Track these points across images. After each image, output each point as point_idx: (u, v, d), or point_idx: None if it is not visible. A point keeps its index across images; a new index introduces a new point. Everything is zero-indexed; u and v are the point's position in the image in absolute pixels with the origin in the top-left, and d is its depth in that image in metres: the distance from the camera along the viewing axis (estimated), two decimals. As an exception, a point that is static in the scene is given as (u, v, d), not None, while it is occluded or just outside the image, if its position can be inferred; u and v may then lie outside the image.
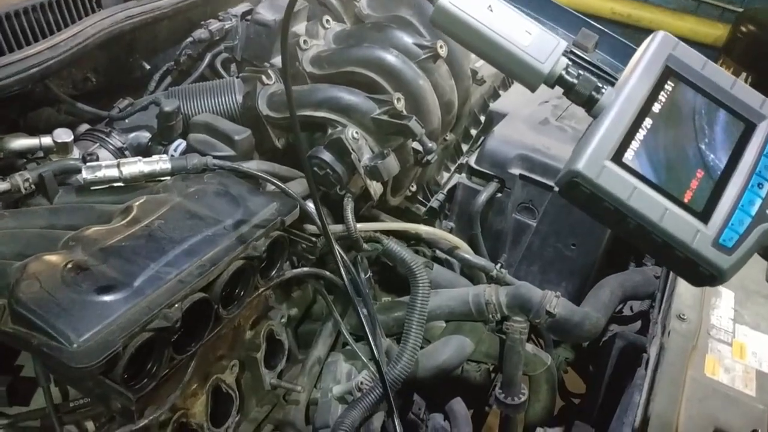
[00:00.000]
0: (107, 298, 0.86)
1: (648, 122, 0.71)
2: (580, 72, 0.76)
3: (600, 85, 0.75)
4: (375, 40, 1.30)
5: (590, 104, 0.75)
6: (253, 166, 1.18)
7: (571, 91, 0.76)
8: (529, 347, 1.44)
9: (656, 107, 0.72)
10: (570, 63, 0.76)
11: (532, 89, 0.77)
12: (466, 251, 1.42)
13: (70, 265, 0.89)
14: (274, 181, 1.15)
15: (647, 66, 0.73)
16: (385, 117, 1.20)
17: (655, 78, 0.73)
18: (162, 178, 1.12)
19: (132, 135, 1.33)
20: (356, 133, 1.19)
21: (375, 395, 1.19)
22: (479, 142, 1.65)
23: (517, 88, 1.78)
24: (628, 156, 0.70)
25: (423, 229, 1.37)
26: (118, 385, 0.83)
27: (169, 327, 0.88)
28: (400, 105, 1.20)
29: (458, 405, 1.45)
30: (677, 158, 0.72)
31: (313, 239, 1.13)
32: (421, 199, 1.56)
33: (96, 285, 0.87)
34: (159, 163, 1.10)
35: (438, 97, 1.32)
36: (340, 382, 1.29)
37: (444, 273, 1.50)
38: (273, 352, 1.25)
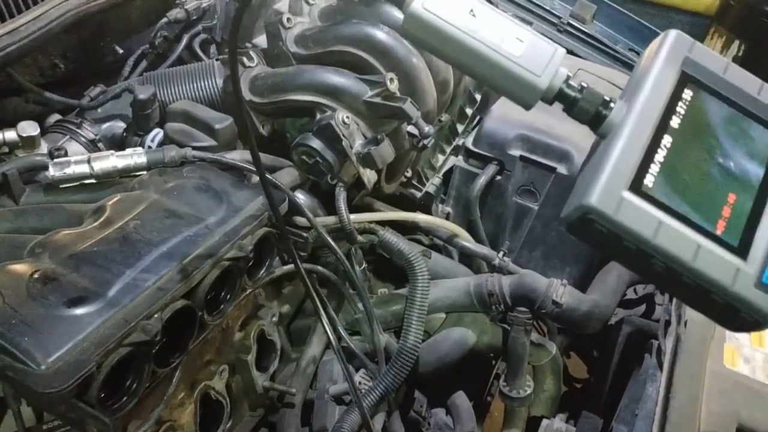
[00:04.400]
0: (78, 311, 0.78)
1: (667, 140, 0.61)
2: (583, 84, 0.65)
3: (608, 98, 0.65)
4: (364, 16, 1.21)
5: (597, 122, 0.64)
6: (236, 156, 1.09)
7: (573, 108, 0.65)
8: (534, 336, 1.38)
9: (675, 122, 0.62)
10: (570, 74, 0.65)
11: (527, 107, 0.66)
12: (465, 239, 1.34)
13: (36, 276, 0.81)
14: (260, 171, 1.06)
15: (661, 72, 0.63)
16: (377, 99, 1.12)
17: (672, 86, 0.63)
18: (138, 173, 1.03)
19: (105, 125, 1.24)
20: (347, 117, 1.10)
21: (375, 395, 1.13)
22: (476, 123, 1.57)
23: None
24: (648, 183, 0.60)
25: (420, 217, 1.30)
26: (93, 408, 0.75)
27: (149, 340, 0.80)
28: (394, 86, 1.11)
29: (460, 399, 1.40)
30: (704, 182, 0.61)
31: (304, 234, 1.05)
32: (416, 184, 1.48)
33: (65, 297, 0.79)
34: (133, 157, 1.01)
35: (432, 75, 1.23)
36: (337, 381, 1.22)
37: (443, 261, 1.43)
38: (265, 353, 1.18)
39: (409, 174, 1.39)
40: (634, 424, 1.12)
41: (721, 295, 0.58)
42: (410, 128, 1.18)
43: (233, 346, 1.13)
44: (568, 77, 0.65)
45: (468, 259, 1.46)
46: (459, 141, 1.56)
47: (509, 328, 1.29)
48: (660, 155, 0.61)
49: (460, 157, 1.49)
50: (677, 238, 0.58)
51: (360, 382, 1.19)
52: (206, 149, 1.07)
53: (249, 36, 1.47)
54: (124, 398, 0.81)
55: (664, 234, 0.58)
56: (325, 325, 0.86)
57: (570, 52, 1.76)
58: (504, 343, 1.33)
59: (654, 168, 0.60)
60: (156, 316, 0.82)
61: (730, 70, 0.65)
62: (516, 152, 1.41)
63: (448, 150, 1.56)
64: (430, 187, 1.49)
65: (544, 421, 1.37)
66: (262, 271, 1.02)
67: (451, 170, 1.51)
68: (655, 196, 0.59)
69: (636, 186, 0.59)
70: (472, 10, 0.63)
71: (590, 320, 1.25)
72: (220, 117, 1.11)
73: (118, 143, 1.23)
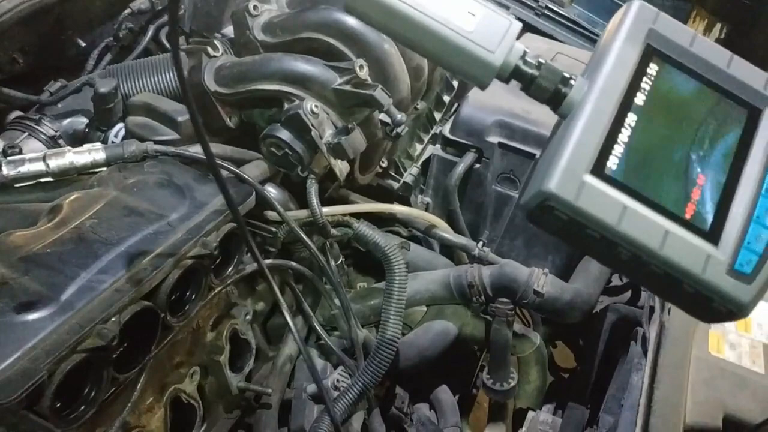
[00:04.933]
0: (29, 317, 0.73)
1: (632, 119, 0.57)
2: (541, 60, 0.61)
3: (568, 75, 0.60)
4: (333, 1, 1.16)
5: (557, 101, 0.60)
6: (200, 149, 1.04)
7: (531, 86, 0.60)
8: (517, 327, 1.35)
9: (639, 98, 0.57)
10: (527, 49, 0.61)
11: (482, 86, 0.61)
12: (444, 230, 1.31)
13: (-16, 280, 0.76)
14: (226, 164, 1.02)
15: (624, 46, 0.58)
16: (347, 87, 1.07)
17: (635, 61, 0.58)
18: (97, 170, 0.98)
19: (66, 121, 1.19)
20: (315, 106, 1.06)
21: (353, 394, 1.09)
22: (454, 110, 1.53)
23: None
24: (612, 166, 0.55)
25: (397, 209, 1.26)
26: (45, 420, 0.71)
27: (105, 346, 0.76)
28: (364, 73, 1.07)
29: (444, 393, 1.36)
30: (672, 163, 0.57)
31: (273, 229, 1.01)
32: (393, 174, 1.43)
33: (15, 302, 0.74)
34: (91, 153, 0.97)
35: (406, 62, 1.19)
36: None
37: (423, 253, 1.39)
38: (239, 352, 1.14)
39: (384, 164, 1.35)
40: (620, 415, 1.09)
41: (692, 284, 0.54)
42: (382, 116, 1.14)
43: (205, 346, 1.09)
44: (525, 53, 0.60)
45: (449, 249, 1.43)
46: (437, 129, 1.52)
47: (491, 320, 1.25)
48: (624, 135, 0.56)
49: (438, 146, 1.45)
50: (643, 224, 0.54)
51: (338, 380, 1.15)
52: (169, 143, 1.03)
53: (218, 26, 1.43)
54: (82, 407, 0.77)
55: (629, 220, 0.54)
56: (290, 323, 0.82)
57: (548, 36, 1.72)
58: (486, 334, 1.30)
59: (617, 149, 0.56)
60: (113, 319, 0.78)
61: (697, 41, 0.60)
62: (494, 139, 1.37)
63: (426, 138, 1.52)
64: (408, 177, 1.45)
65: (530, 414, 1.35)
66: (229, 269, 0.98)
67: (429, 159, 1.47)
68: (618, 180, 0.55)
69: (598, 169, 0.55)
70: None
71: (573, 310, 1.22)
72: (183, 109, 1.07)
73: (80, 139, 1.19)
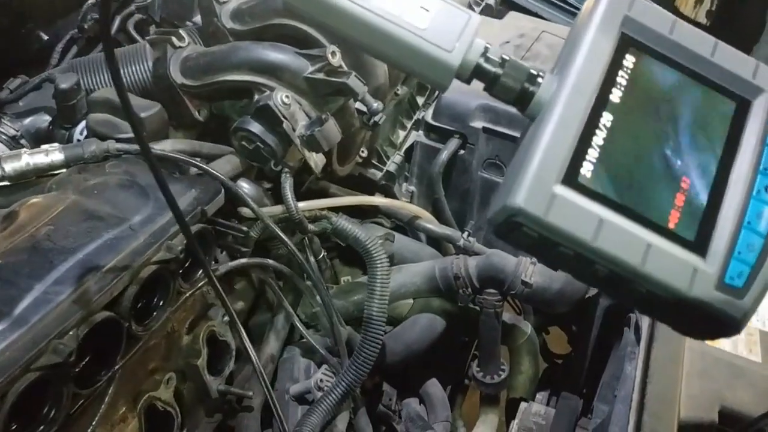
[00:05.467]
0: (-21, 334, 0.69)
1: (607, 118, 0.51)
2: (505, 56, 0.55)
3: (535, 72, 0.54)
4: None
5: (524, 101, 0.54)
6: (166, 146, 1.00)
7: (495, 86, 0.55)
8: (507, 316, 1.32)
9: (615, 95, 0.51)
10: (489, 45, 0.55)
11: (441, 89, 0.56)
12: (428, 220, 1.26)
13: (-71, 296, 0.72)
14: (193, 161, 0.97)
15: (596, 36, 0.52)
16: (319, 75, 1.02)
17: (610, 53, 0.52)
18: (56, 172, 0.93)
19: (28, 120, 1.14)
20: (287, 97, 1.01)
21: (336, 395, 1.05)
22: (437, 94, 1.48)
23: (474, 28, 1.60)
24: (586, 174, 0.49)
25: (377, 201, 1.21)
26: (-3, 444, 0.67)
27: (62, 362, 0.71)
28: (336, 59, 1.02)
29: (433, 387, 1.33)
30: (652, 165, 0.51)
31: (244, 229, 0.96)
32: (375, 163, 1.39)
33: (-37, 319, 0.70)
34: (49, 154, 0.92)
35: (382, 46, 1.14)
36: (298, 380, 1.15)
37: (408, 244, 1.35)
38: (218, 355, 1.09)
39: (364, 153, 1.30)
40: (614, 406, 1.06)
41: (677, 301, 0.49)
42: (358, 104, 1.09)
43: (181, 351, 1.04)
44: (486, 49, 0.55)
45: (436, 238, 1.39)
46: (420, 115, 1.47)
47: (479, 311, 1.22)
48: (599, 138, 0.50)
49: (421, 132, 1.40)
50: (622, 238, 0.48)
51: (321, 380, 1.11)
52: (132, 141, 0.98)
53: (190, 14, 1.36)
54: (41, 427, 0.73)
55: (606, 234, 0.48)
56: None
57: (533, 14, 1.66)
58: (476, 325, 1.26)
59: (592, 154, 0.50)
60: (71, 333, 0.73)
61: (678, 28, 0.54)
62: (478, 124, 1.32)
63: (409, 125, 1.47)
64: (391, 165, 1.40)
65: (522, 405, 1.31)
66: (200, 272, 0.94)
67: (413, 146, 1.43)
68: (594, 189, 0.49)
69: (570, 178, 0.49)
70: None
71: (562, 299, 1.18)
72: (147, 104, 1.01)
73: (43, 138, 1.13)
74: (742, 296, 0.49)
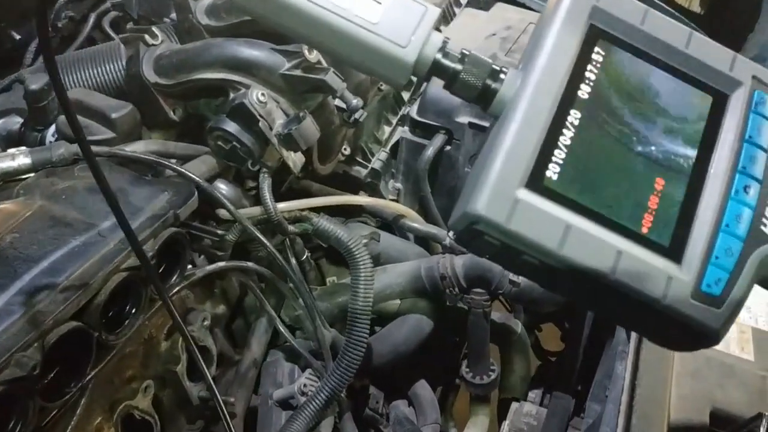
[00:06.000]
0: (-63, 349, 0.66)
1: (575, 116, 0.48)
2: (465, 51, 0.52)
3: (498, 67, 0.51)
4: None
5: (486, 99, 0.51)
6: (139, 147, 0.97)
7: (455, 83, 0.52)
8: (497, 315, 1.29)
9: (584, 91, 0.48)
10: (448, 39, 0.52)
11: (397, 87, 0.54)
12: (413, 219, 1.24)
13: None
14: (165, 162, 0.94)
15: (563, 28, 0.49)
16: (296, 72, 0.99)
17: (577, 45, 0.49)
18: (24, 176, 0.90)
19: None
20: (262, 95, 0.98)
21: (320, 400, 1.02)
22: (423, 89, 1.45)
23: (460, 20, 1.57)
24: (552, 176, 0.46)
25: (360, 200, 1.19)
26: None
27: (26, 376, 0.69)
28: (314, 55, 0.99)
29: (422, 389, 1.30)
30: (624, 166, 0.47)
31: (219, 232, 0.93)
32: (360, 160, 1.36)
33: None
34: (15, 158, 0.89)
35: (363, 41, 1.11)
36: (282, 384, 1.12)
37: (395, 243, 1.32)
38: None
39: (347, 151, 1.27)
40: (605, 407, 1.03)
41: (651, 310, 0.46)
42: (338, 101, 1.06)
43: (160, 357, 1.02)
44: (445, 43, 0.51)
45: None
46: (406, 110, 1.44)
47: (467, 310, 1.19)
48: (566, 137, 0.47)
49: (406, 128, 1.37)
50: (591, 245, 0.45)
51: (305, 384, 1.08)
52: (103, 143, 0.95)
53: (167, 10, 1.33)
54: (6, 443, 0.70)
55: (573, 241, 0.45)
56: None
57: (521, 5, 1.63)
58: (464, 324, 1.24)
59: (558, 155, 0.47)
60: (35, 345, 0.71)
61: (649, 18, 0.51)
62: (464, 119, 1.29)
63: (395, 120, 1.43)
64: (376, 162, 1.37)
65: (514, 405, 1.29)
66: (174, 277, 0.91)
67: (398, 143, 1.40)
68: (560, 192, 0.46)
69: (535, 181, 0.46)
70: None
71: (551, 298, 1.16)
72: (118, 105, 0.98)
73: (15, 141, 1.10)
74: (719, 305, 0.46)
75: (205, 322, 1.08)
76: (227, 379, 1.17)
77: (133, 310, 0.85)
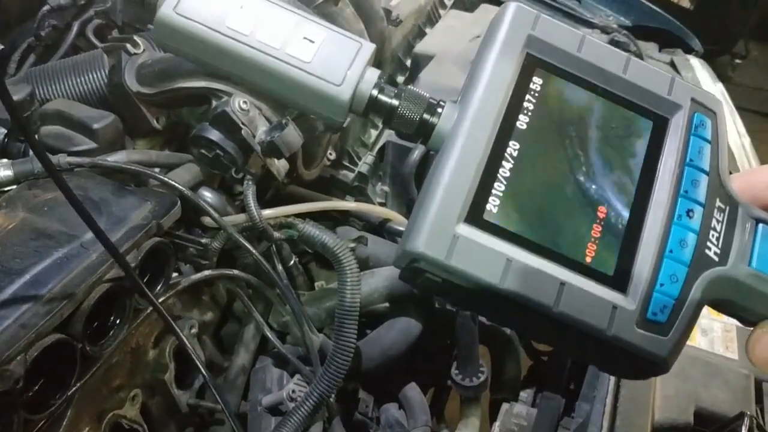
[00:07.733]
0: None
1: (514, 147, 0.47)
2: (403, 87, 0.51)
3: (435, 101, 0.51)
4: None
5: (425, 134, 0.50)
6: (121, 158, 0.97)
7: (392, 118, 0.51)
8: (485, 317, 1.29)
9: (522, 122, 0.47)
10: (383, 76, 0.52)
11: (335, 127, 0.53)
12: (399, 223, 1.24)
13: None
14: (149, 171, 0.94)
15: (499, 59, 0.48)
16: (279, 79, 0.99)
17: (513, 75, 0.48)
18: (6, 189, 0.90)
19: (-18, 133, 1.10)
20: (245, 102, 0.98)
21: (308, 405, 1.03)
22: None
23: (445, 22, 1.57)
24: (491, 209, 0.45)
25: (345, 205, 1.19)
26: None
27: (8, 389, 0.69)
28: (296, 62, 0.99)
29: (412, 391, 1.30)
30: (566, 195, 0.47)
31: (203, 240, 0.93)
32: (347, 164, 1.36)
33: None
34: (-2, 170, 0.88)
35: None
36: (271, 390, 1.12)
37: (383, 246, 1.32)
38: (187, 368, 1.07)
39: (333, 156, 1.27)
40: (593, 407, 1.04)
41: (596, 342, 0.45)
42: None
43: (148, 366, 1.02)
44: (381, 78, 0.51)
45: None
46: (392, 113, 1.44)
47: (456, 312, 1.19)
48: (505, 169, 0.46)
49: (393, 132, 1.37)
50: (533, 278, 0.44)
51: (294, 390, 1.09)
52: (85, 153, 0.94)
53: (151, 18, 1.32)
54: (-11, 458, 0.70)
55: (515, 275, 0.43)
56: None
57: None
58: (453, 326, 1.24)
59: (498, 187, 0.46)
60: (18, 359, 0.71)
61: (586, 45, 0.50)
62: (449, 122, 1.29)
63: (381, 124, 1.44)
64: (363, 166, 1.38)
65: (504, 406, 1.29)
66: (158, 287, 0.91)
67: (384, 146, 1.40)
68: (500, 226, 0.45)
69: (474, 216, 0.45)
70: (242, 7, 0.49)
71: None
72: (99, 115, 0.98)
73: (-1, 152, 1.10)
74: (666, 332, 0.45)
75: (193, 330, 1.08)
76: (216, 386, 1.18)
77: (118, 321, 0.85)
